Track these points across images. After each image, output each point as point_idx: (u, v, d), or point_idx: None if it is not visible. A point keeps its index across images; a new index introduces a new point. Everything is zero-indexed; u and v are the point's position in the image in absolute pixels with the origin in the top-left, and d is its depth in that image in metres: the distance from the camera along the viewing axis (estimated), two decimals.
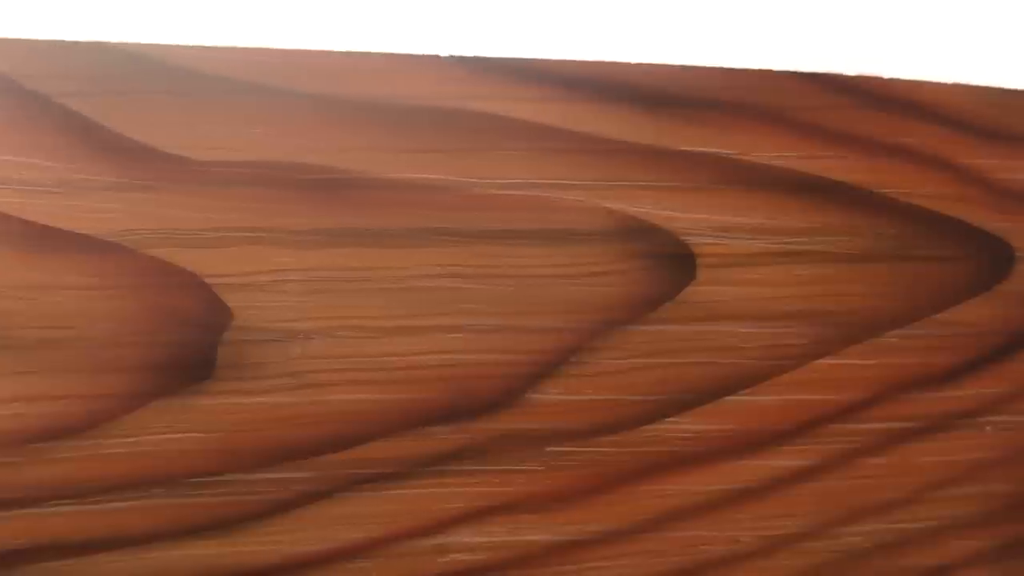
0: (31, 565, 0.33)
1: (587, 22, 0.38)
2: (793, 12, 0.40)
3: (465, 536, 0.36)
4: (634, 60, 0.38)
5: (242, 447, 0.34)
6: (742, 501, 0.39)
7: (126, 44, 0.33)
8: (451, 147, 0.35)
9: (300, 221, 0.34)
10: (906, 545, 0.41)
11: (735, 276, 0.38)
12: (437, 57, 0.35)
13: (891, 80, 0.39)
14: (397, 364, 0.35)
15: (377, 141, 0.35)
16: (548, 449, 0.37)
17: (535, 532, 0.37)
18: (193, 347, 0.33)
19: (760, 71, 0.38)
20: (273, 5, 0.36)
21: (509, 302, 0.36)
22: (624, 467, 0.37)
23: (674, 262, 0.38)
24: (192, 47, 0.33)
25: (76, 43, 0.33)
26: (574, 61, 0.36)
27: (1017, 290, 0.42)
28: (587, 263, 0.37)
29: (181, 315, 0.33)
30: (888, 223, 0.40)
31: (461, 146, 0.35)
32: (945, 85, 0.40)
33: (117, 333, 0.33)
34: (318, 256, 0.34)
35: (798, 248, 0.39)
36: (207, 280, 0.33)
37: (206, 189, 0.33)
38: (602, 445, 0.37)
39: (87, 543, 0.33)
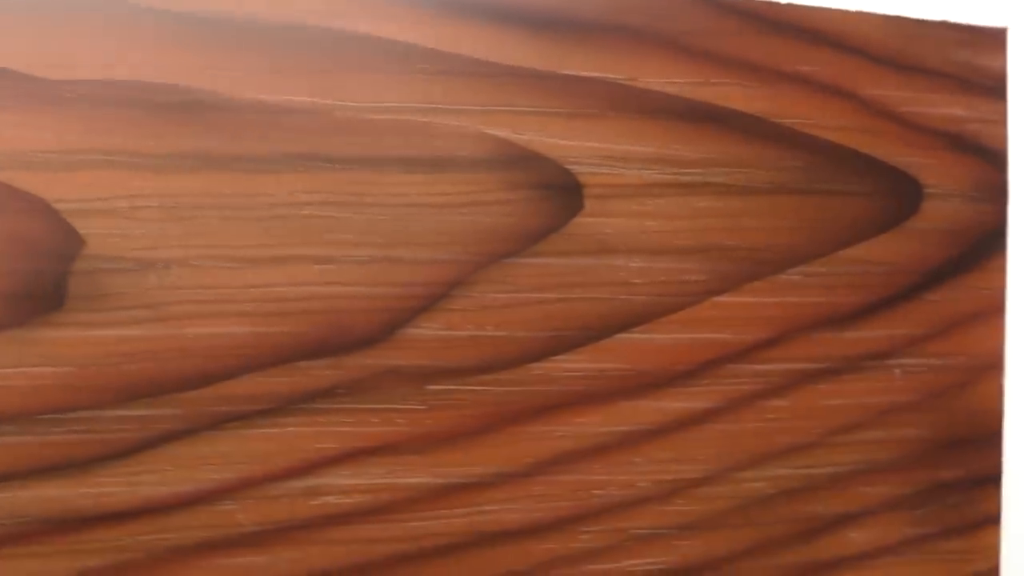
0: None
1: None
2: None
3: (339, 478, 0.35)
4: None
5: (98, 382, 0.32)
6: (637, 444, 0.38)
7: None
8: (318, 68, 0.34)
9: (159, 144, 0.33)
10: (812, 491, 0.40)
11: (626, 208, 0.37)
12: None
13: (788, 5, 0.38)
14: (264, 296, 0.34)
15: (241, 61, 0.33)
16: (429, 387, 0.35)
17: (416, 475, 0.35)
18: (42, 276, 0.32)
19: None
20: None
21: (384, 232, 0.35)
22: (510, 407, 0.36)
23: (560, 192, 0.36)
24: None
25: None
26: None
27: (927, 228, 0.41)
28: (468, 192, 0.35)
29: (29, 242, 0.32)
30: (790, 155, 0.39)
31: (328, 67, 0.34)
32: (848, 12, 0.39)
33: None
34: (178, 181, 0.33)
35: (693, 180, 0.38)
36: (56, 206, 0.32)
37: (57, 109, 0.32)
38: (486, 384, 0.36)
39: None
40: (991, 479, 0.42)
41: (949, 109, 0.41)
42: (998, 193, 0.42)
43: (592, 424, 0.37)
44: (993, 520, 0.42)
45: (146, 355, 0.33)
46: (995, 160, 0.42)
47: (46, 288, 0.32)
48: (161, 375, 0.33)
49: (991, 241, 0.42)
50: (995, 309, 0.42)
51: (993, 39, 0.42)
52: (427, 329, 0.35)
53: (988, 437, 0.42)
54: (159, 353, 0.33)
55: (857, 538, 0.40)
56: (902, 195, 0.41)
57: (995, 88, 0.42)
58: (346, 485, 0.35)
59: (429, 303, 0.35)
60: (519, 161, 0.36)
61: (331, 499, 0.35)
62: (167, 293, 0.33)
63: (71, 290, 0.32)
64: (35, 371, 0.32)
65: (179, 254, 0.33)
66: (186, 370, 0.33)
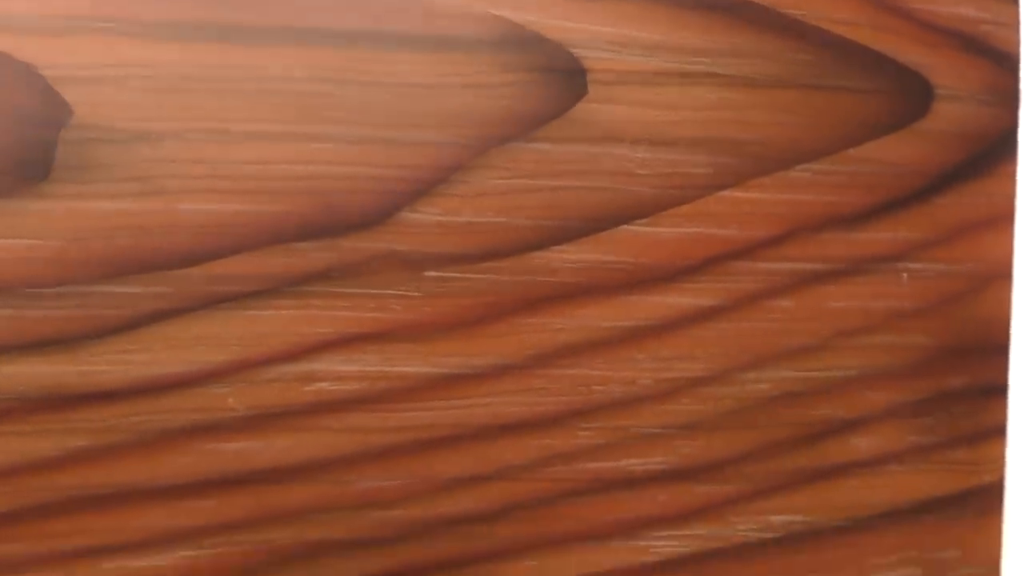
0: None
1: None
2: None
3: (334, 364, 0.34)
4: None
5: (86, 257, 0.32)
6: (639, 340, 0.37)
7: None
8: None
9: (153, 12, 0.32)
10: (816, 395, 0.40)
11: (631, 95, 0.37)
12: None
13: None
14: (258, 174, 0.33)
15: None
16: (426, 274, 0.35)
17: (412, 363, 0.35)
18: (26, 144, 0.31)
19: None
20: None
21: (383, 112, 0.34)
22: (509, 297, 0.36)
23: (564, 77, 0.36)
24: None
25: None
26: None
27: (936, 130, 0.41)
28: (469, 73, 0.35)
29: (13, 110, 0.31)
30: (798, 48, 0.39)
31: None
32: None
33: None
34: (171, 52, 0.33)
35: (700, 69, 0.37)
36: (44, 72, 0.32)
37: None
38: (485, 272, 0.36)
39: None
40: (997, 389, 0.42)
41: (962, 9, 0.41)
42: (1010, 98, 0.42)
43: (593, 318, 0.37)
44: (999, 431, 0.42)
45: (136, 230, 0.32)
46: (1008, 64, 0.42)
47: (32, 157, 0.31)
48: (151, 251, 0.33)
49: (1002, 147, 0.42)
50: (1005, 216, 0.42)
51: None
52: (425, 214, 0.35)
53: (995, 347, 0.42)
54: (149, 229, 0.33)
55: (861, 445, 0.40)
56: (912, 95, 0.40)
57: None
58: (341, 372, 0.35)
59: (427, 187, 0.35)
60: (522, 43, 0.35)
61: (325, 385, 0.34)
62: (158, 167, 0.33)
63: (58, 160, 0.32)
64: (21, 243, 0.32)
65: (171, 127, 0.33)
66: (177, 247, 0.33)
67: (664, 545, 0.38)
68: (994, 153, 0.42)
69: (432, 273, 0.35)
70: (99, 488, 0.33)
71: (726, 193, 0.38)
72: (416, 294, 0.35)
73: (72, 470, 0.33)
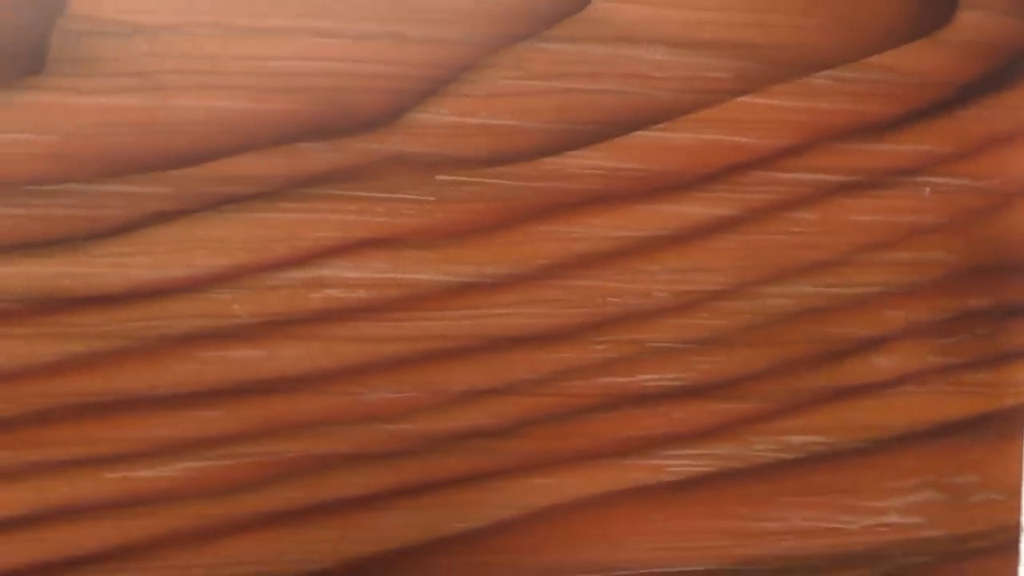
0: None
1: None
2: None
3: (342, 270, 0.33)
4: None
5: (84, 153, 0.31)
6: (655, 251, 0.37)
7: None
8: None
9: None
10: (836, 311, 0.39)
11: None
12: None
13: None
14: (261, 70, 0.32)
15: None
16: (437, 177, 0.34)
17: (422, 271, 0.34)
18: (20, 34, 0.30)
19: None
20: None
21: (392, 7, 0.33)
22: (522, 203, 0.35)
23: None
24: None
25: None
26: None
27: (960, 40, 0.40)
28: None
29: None
30: None
31: None
32: None
33: None
34: None
35: None
36: None
37: None
38: (497, 176, 0.35)
39: None
40: (1021, 311, 0.41)
41: None
42: None
43: (607, 227, 0.36)
44: (1022, 354, 0.42)
45: (135, 127, 0.32)
46: None
47: (26, 49, 0.30)
48: (151, 150, 0.32)
49: None
50: None
51: None
52: (435, 115, 0.34)
53: (1019, 267, 0.41)
54: (149, 126, 0.32)
55: (881, 364, 0.40)
56: (935, 2, 0.39)
57: None
58: (349, 278, 0.34)
59: (437, 86, 0.34)
60: None
61: (333, 293, 0.34)
62: (157, 62, 0.32)
63: (53, 52, 0.31)
64: (18, 138, 0.31)
65: (171, 20, 0.32)
66: (178, 146, 0.32)
67: (680, 464, 0.38)
68: (1018, 66, 0.41)
69: (442, 177, 0.34)
70: (99, 396, 0.32)
71: (745, 99, 0.37)
72: (426, 198, 0.34)
73: (71, 376, 0.32)
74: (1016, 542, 0.41)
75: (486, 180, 0.35)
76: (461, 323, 0.35)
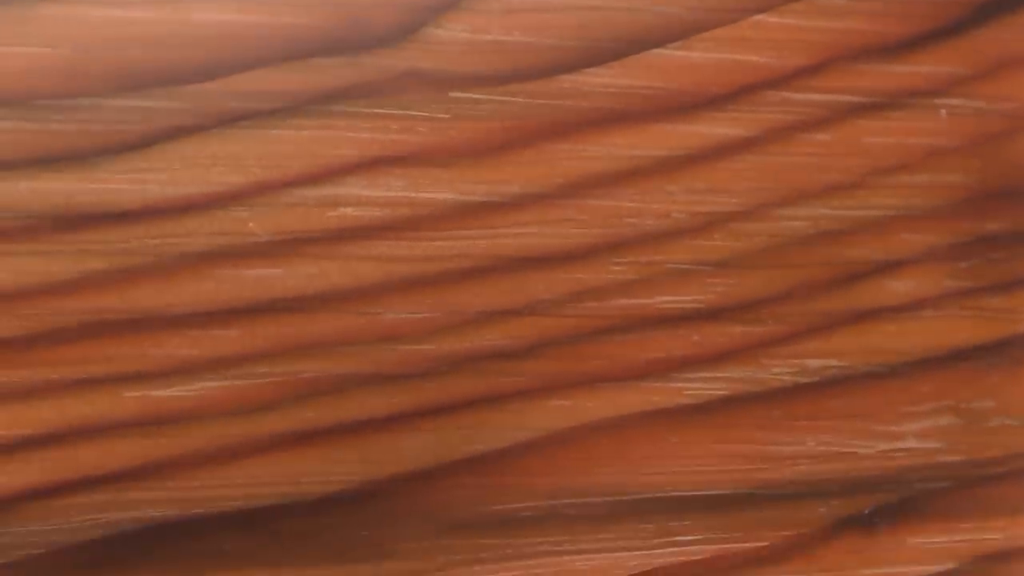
0: None
1: None
2: None
3: (357, 188, 0.34)
4: None
5: (98, 67, 0.31)
6: (672, 171, 0.37)
7: None
8: None
9: None
10: (852, 234, 0.39)
11: None
12: None
13: None
14: None
15: None
16: (452, 95, 0.34)
17: (437, 190, 0.34)
18: None
19: None
20: None
21: None
22: (538, 121, 0.35)
23: None
24: None
25: None
26: None
27: None
28: None
29: None
30: None
31: None
32: None
33: None
34: None
35: None
36: None
37: None
38: (514, 94, 0.35)
39: None
40: None
41: None
42: None
43: (623, 146, 0.36)
44: None
45: (148, 41, 0.32)
46: None
47: None
48: (166, 64, 0.32)
49: None
50: None
51: None
52: (451, 30, 0.34)
53: None
54: (163, 40, 0.32)
55: (897, 288, 0.40)
56: None
57: None
58: (364, 196, 0.34)
59: (453, 1, 0.34)
60: None
61: (348, 211, 0.34)
62: None
63: None
64: (28, 51, 0.31)
65: None
66: (193, 60, 0.32)
67: (697, 387, 0.38)
68: None
69: (458, 94, 0.34)
70: (117, 313, 0.32)
71: (761, 18, 0.37)
72: (441, 116, 0.34)
73: (88, 294, 0.32)
74: None
75: (501, 98, 0.35)
76: (477, 243, 0.35)
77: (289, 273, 0.33)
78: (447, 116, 0.34)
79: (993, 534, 0.41)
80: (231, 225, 0.33)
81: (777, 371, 0.39)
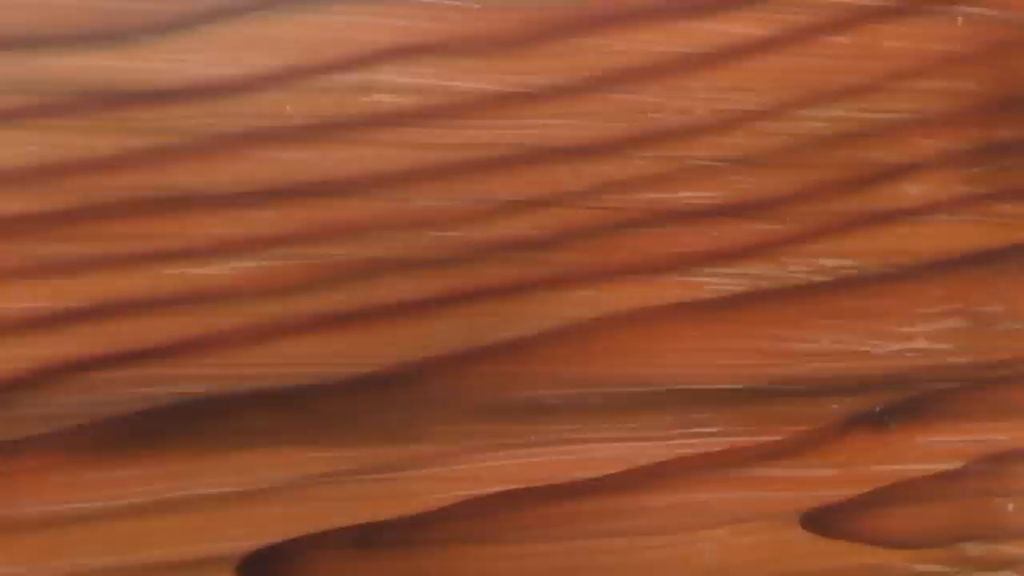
0: None
1: None
2: None
3: (390, 75, 0.35)
4: None
5: None
6: (695, 68, 0.38)
7: None
8: None
9: None
10: (869, 137, 0.40)
11: None
12: None
13: None
14: None
15: None
16: None
17: (468, 79, 0.35)
18: None
19: None
20: None
21: None
22: (567, 14, 0.36)
23: None
24: None
25: None
26: None
27: None
28: None
29: None
30: None
31: None
32: None
33: None
34: None
35: None
36: None
37: None
38: None
39: None
40: None
41: None
42: None
43: (648, 42, 0.37)
44: None
45: None
46: None
47: None
48: None
49: None
50: None
51: None
52: None
53: None
54: None
55: (911, 191, 0.41)
56: None
57: None
58: (397, 84, 0.35)
59: None
60: None
61: (382, 98, 0.35)
62: None
63: None
64: None
65: None
66: None
67: (718, 282, 0.39)
68: None
69: None
70: (156, 191, 0.33)
71: None
72: (471, 5, 0.35)
73: (129, 171, 0.33)
74: None
75: None
76: (505, 132, 0.36)
77: (323, 157, 0.34)
78: (477, 6, 0.35)
79: (999, 435, 0.43)
80: (268, 108, 0.34)
81: (794, 269, 0.40)
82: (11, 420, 0.33)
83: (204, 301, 0.34)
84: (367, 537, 0.37)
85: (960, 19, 0.41)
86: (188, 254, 0.34)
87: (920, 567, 0.43)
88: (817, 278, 0.40)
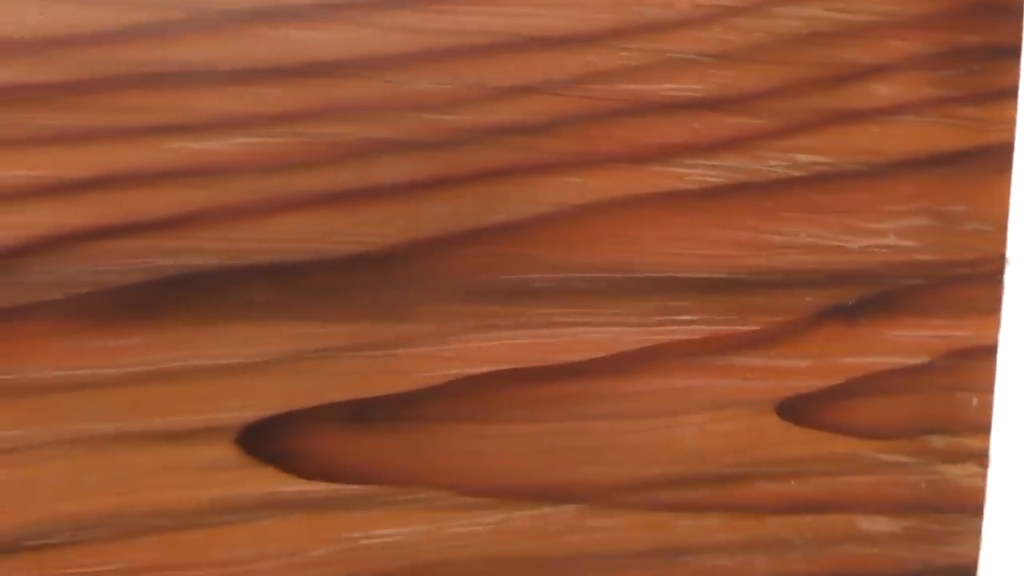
0: None
1: None
2: None
3: None
4: None
5: None
6: None
7: None
8: None
9: None
10: (842, 36, 0.43)
11: None
12: None
13: None
14: None
15: None
16: None
17: None
18: None
19: None
20: None
21: None
22: None
23: None
24: None
25: None
26: None
27: None
28: None
29: None
30: None
31: None
32: None
33: None
34: None
35: None
36: None
37: None
38: None
39: None
40: (1010, 51, 0.45)
41: None
42: None
43: None
44: (1011, 93, 0.46)
45: None
46: None
47: None
48: None
49: None
50: None
51: None
52: None
53: (1011, 8, 0.45)
54: None
55: (882, 91, 0.43)
56: None
57: None
58: None
59: None
60: None
61: None
62: None
63: None
64: None
65: None
66: None
67: (698, 173, 0.41)
68: None
69: None
70: (161, 66, 0.35)
71: None
72: None
73: (135, 45, 0.34)
74: (1000, 272, 0.45)
75: None
76: (495, 19, 0.38)
77: (325, 38, 0.36)
78: None
79: (963, 332, 0.46)
80: None
81: (771, 163, 0.42)
82: (17, 286, 0.34)
83: (206, 175, 0.35)
84: (359, 412, 0.38)
85: None
86: (191, 128, 0.35)
87: (886, 457, 0.45)
88: (793, 172, 0.43)
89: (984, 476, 0.46)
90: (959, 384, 0.46)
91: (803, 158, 0.43)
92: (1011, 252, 0.44)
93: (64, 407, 0.35)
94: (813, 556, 0.45)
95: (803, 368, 0.44)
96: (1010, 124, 0.46)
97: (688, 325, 0.42)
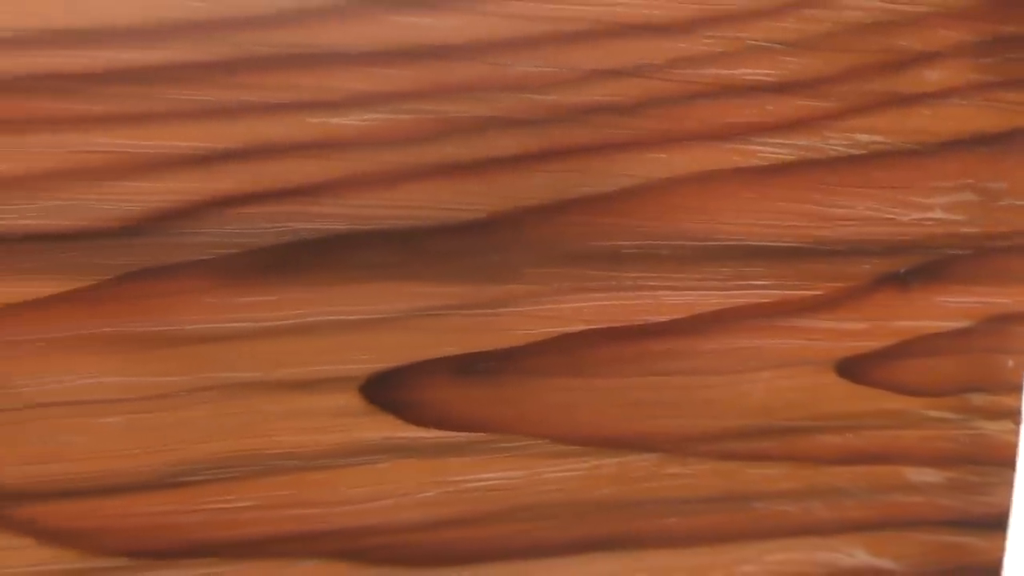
0: None
1: None
2: None
3: None
4: None
5: None
6: None
7: None
8: None
9: None
10: (900, 25, 0.47)
11: None
12: None
13: None
14: None
15: None
16: None
17: None
18: None
19: None
20: None
21: None
22: None
23: None
24: None
25: None
26: None
27: None
28: None
29: None
30: None
31: None
32: None
33: None
34: None
35: None
36: None
37: None
38: None
39: None
40: None
41: None
42: None
43: None
44: None
45: None
46: None
47: None
48: None
49: None
50: None
51: None
52: None
53: None
54: None
55: (932, 77, 0.48)
56: None
57: None
58: None
59: None
60: None
61: None
62: None
63: None
64: None
65: None
66: None
67: (770, 152, 0.46)
68: None
69: None
70: (304, 48, 0.39)
71: None
72: None
73: (281, 29, 0.39)
74: None
75: None
76: (591, 8, 0.42)
77: (442, 24, 0.40)
78: None
79: (1003, 299, 0.50)
80: None
81: (835, 143, 0.47)
82: (170, 247, 0.39)
83: (339, 147, 0.40)
84: (466, 366, 0.43)
85: None
86: (328, 105, 0.39)
87: (932, 413, 0.50)
88: (853, 151, 0.47)
89: (1017, 432, 0.51)
90: (998, 346, 0.51)
91: (862, 137, 0.47)
92: None
93: (208, 357, 0.40)
94: (865, 503, 0.49)
95: (860, 330, 0.48)
96: None
97: (759, 290, 0.46)
